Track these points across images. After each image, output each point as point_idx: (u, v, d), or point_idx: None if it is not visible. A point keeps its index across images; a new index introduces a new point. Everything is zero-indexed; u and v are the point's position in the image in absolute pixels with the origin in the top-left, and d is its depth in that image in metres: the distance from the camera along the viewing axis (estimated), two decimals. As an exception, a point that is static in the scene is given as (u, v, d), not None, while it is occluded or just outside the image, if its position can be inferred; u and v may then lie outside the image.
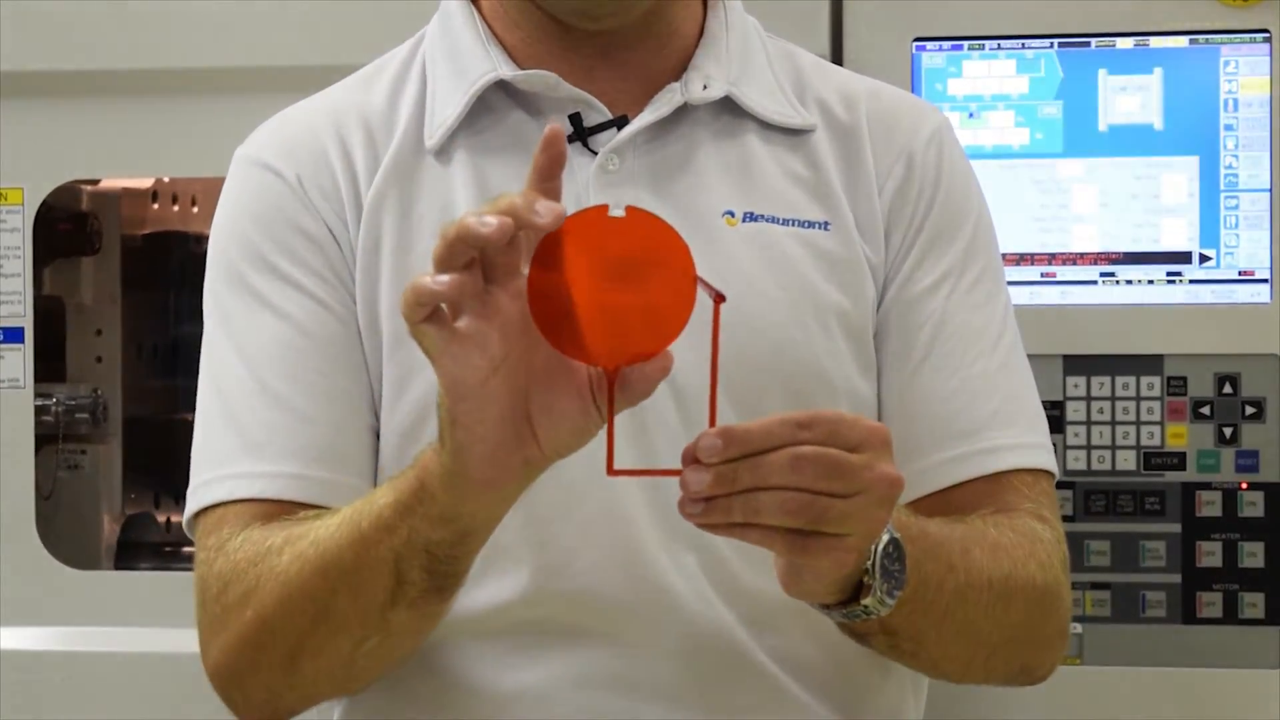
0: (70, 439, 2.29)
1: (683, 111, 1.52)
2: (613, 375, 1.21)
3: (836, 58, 1.97)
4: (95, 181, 2.28)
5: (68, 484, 2.28)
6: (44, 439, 2.22)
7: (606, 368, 1.21)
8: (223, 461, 1.49)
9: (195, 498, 1.50)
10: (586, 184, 1.49)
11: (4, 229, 2.13)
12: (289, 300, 1.51)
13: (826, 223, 1.52)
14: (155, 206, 2.39)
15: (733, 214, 1.51)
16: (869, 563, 1.31)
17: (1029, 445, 1.54)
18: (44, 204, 2.14)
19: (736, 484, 1.19)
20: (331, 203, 1.52)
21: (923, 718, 1.60)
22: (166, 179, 2.36)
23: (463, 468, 1.24)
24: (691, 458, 1.19)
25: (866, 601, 1.33)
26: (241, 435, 1.49)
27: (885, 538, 1.32)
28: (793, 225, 1.52)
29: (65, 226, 2.27)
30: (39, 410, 2.19)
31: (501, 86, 1.52)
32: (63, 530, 2.22)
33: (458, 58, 1.54)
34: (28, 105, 2.11)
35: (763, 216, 1.51)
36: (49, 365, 2.25)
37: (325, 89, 1.60)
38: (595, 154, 1.50)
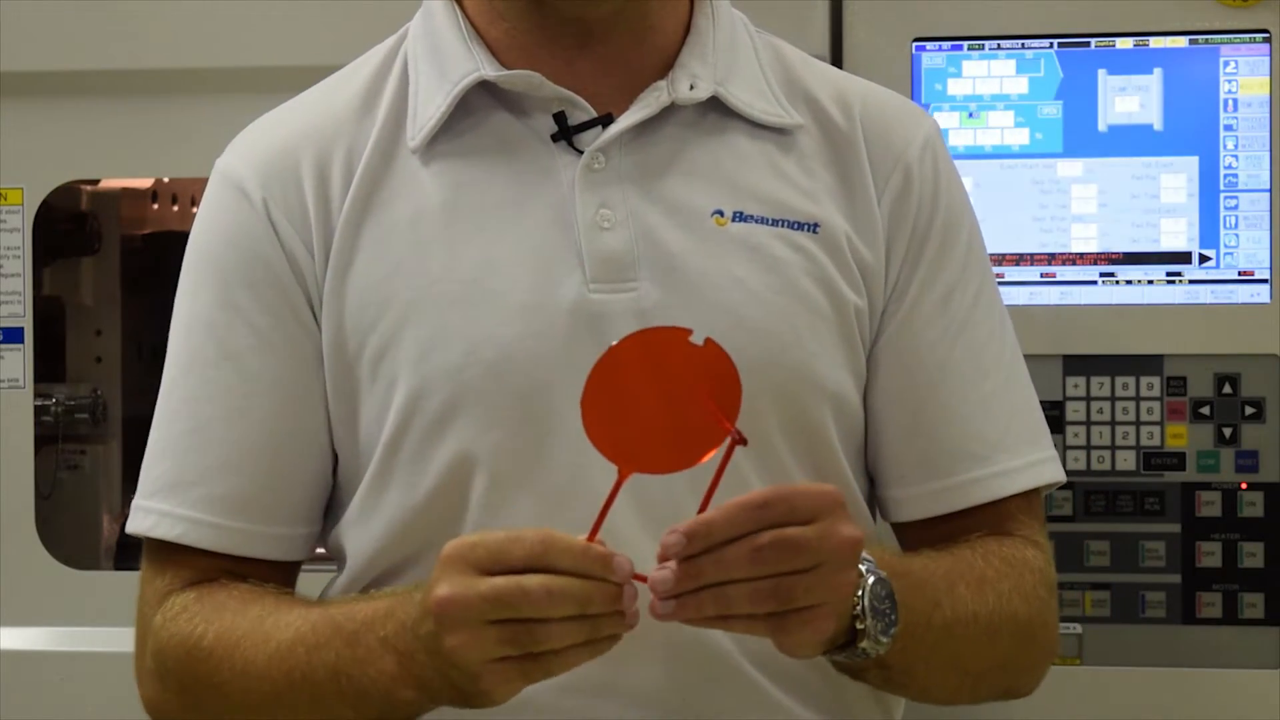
0: (70, 439, 2.29)
1: (669, 110, 1.51)
2: (622, 478, 1.30)
3: (836, 58, 1.97)
4: (95, 181, 2.28)
5: (68, 484, 2.28)
6: (44, 439, 2.22)
7: (621, 471, 1.30)
8: (155, 491, 1.53)
9: (130, 518, 1.55)
10: (572, 183, 1.49)
11: (4, 229, 2.13)
12: (240, 338, 1.51)
13: (815, 224, 1.52)
14: (155, 206, 2.39)
15: (722, 214, 1.51)
16: (859, 608, 1.37)
17: (1039, 462, 1.57)
18: (44, 204, 2.14)
19: (701, 579, 1.28)
20: (297, 227, 1.51)
21: (904, 718, 1.61)
22: (166, 179, 2.35)
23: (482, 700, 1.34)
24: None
25: (864, 645, 1.38)
26: (174, 469, 1.52)
27: (871, 579, 1.38)
28: (781, 226, 1.51)
29: (65, 226, 2.27)
30: (39, 410, 2.19)
31: (484, 86, 1.51)
32: (63, 530, 2.22)
33: (440, 57, 1.53)
34: (28, 105, 2.11)
35: (752, 217, 1.51)
36: (49, 365, 2.25)
37: (308, 90, 1.59)
38: (580, 152, 1.50)
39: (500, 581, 1.28)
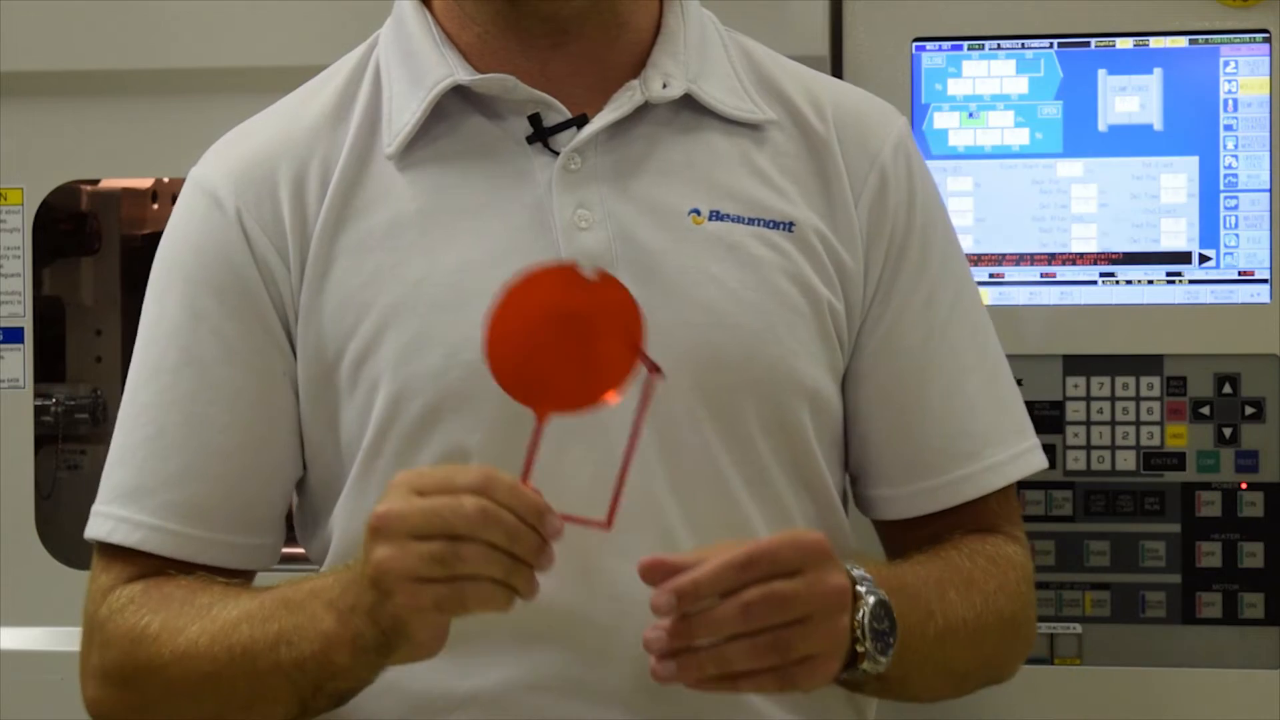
0: (70, 439, 2.29)
1: (643, 109, 1.52)
2: (541, 421, 1.30)
3: (836, 58, 1.97)
4: (95, 181, 2.28)
5: (68, 484, 2.28)
6: (44, 439, 2.22)
7: (537, 414, 1.30)
8: (115, 497, 1.54)
9: (89, 523, 1.56)
10: (549, 184, 1.49)
11: (4, 229, 2.13)
12: (205, 345, 1.51)
13: (790, 224, 1.53)
14: (155, 206, 2.39)
15: (699, 212, 1.52)
16: (858, 630, 1.39)
17: (1024, 453, 1.61)
18: (44, 204, 2.13)
19: (693, 637, 1.31)
20: (271, 236, 1.52)
21: (881, 715, 1.63)
22: (166, 179, 2.35)
23: (412, 652, 1.35)
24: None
25: (864, 665, 1.40)
26: (135, 475, 1.53)
27: (871, 599, 1.40)
28: (757, 225, 1.52)
29: (65, 226, 2.27)
30: (39, 410, 2.19)
31: (458, 90, 1.52)
32: (63, 530, 2.22)
33: (413, 62, 1.53)
34: (28, 105, 2.11)
35: (728, 216, 1.52)
36: (49, 365, 2.25)
37: (280, 100, 1.60)
38: (555, 154, 1.50)
39: (438, 498, 1.30)
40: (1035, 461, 1.61)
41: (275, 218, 1.51)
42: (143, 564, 1.52)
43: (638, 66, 1.54)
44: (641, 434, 1.32)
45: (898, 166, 1.58)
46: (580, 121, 1.50)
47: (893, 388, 1.56)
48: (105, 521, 1.53)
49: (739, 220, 1.52)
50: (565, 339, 1.30)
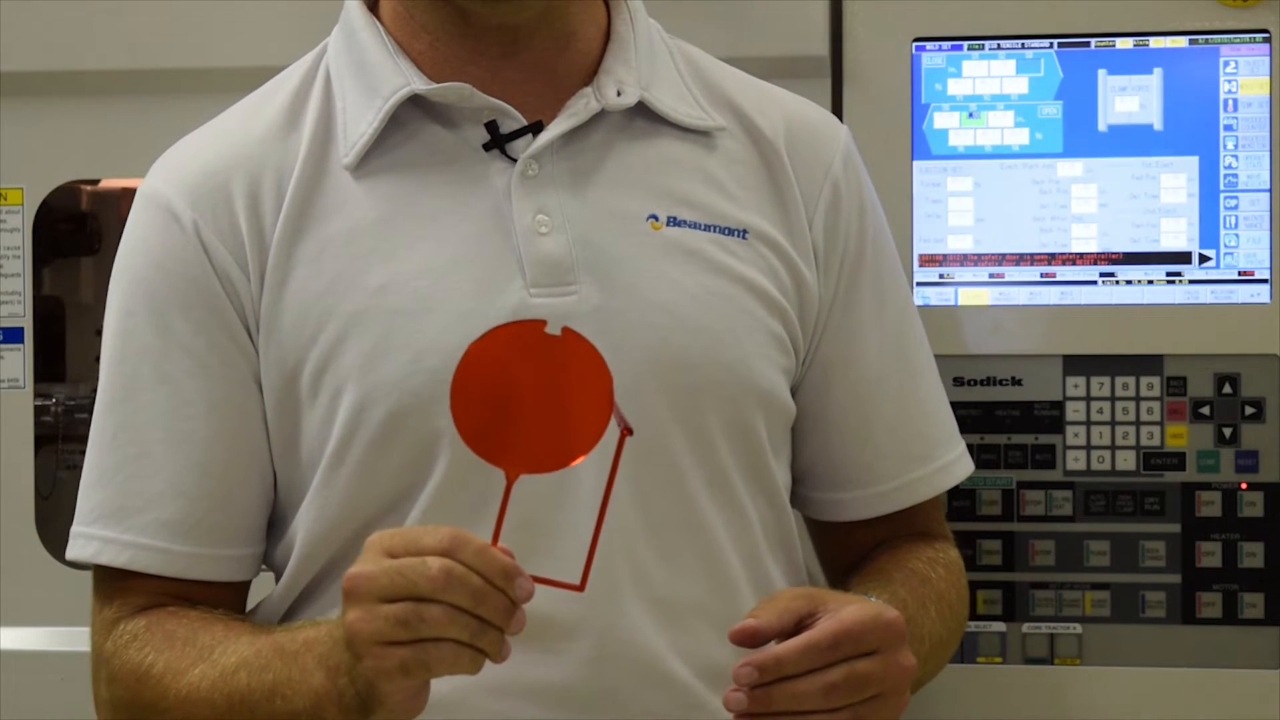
0: (70, 439, 2.28)
1: (598, 116, 1.53)
2: (511, 480, 1.29)
3: (836, 58, 1.97)
4: (95, 181, 2.28)
5: (68, 484, 2.28)
6: (44, 439, 2.22)
7: (507, 474, 1.29)
8: (97, 518, 1.54)
9: (71, 545, 1.55)
10: (507, 190, 1.50)
11: (4, 229, 2.13)
12: (176, 363, 1.52)
13: (744, 230, 1.55)
14: (155, 206, 2.38)
15: (657, 218, 1.53)
16: None
17: (962, 454, 1.68)
18: (44, 204, 2.13)
19: (773, 705, 1.34)
20: (230, 248, 1.52)
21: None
22: (166, 179, 2.35)
23: (390, 715, 1.35)
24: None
25: None
26: (116, 496, 1.53)
27: None
28: (713, 231, 1.54)
29: (65, 226, 2.27)
30: (39, 410, 2.19)
31: (413, 99, 1.52)
32: (63, 530, 2.20)
33: (366, 72, 1.53)
34: (28, 105, 2.11)
35: (685, 222, 1.54)
36: (49, 365, 2.25)
37: (225, 112, 1.61)
38: (512, 160, 1.50)
39: (405, 560, 1.29)
40: (969, 464, 1.69)
41: (232, 229, 1.52)
42: (142, 590, 1.52)
43: (587, 73, 1.55)
44: (613, 494, 1.31)
45: (849, 176, 1.61)
46: (535, 128, 1.51)
47: (852, 397, 1.60)
48: (90, 543, 1.53)
49: (696, 226, 1.53)
50: (534, 399, 1.29)
